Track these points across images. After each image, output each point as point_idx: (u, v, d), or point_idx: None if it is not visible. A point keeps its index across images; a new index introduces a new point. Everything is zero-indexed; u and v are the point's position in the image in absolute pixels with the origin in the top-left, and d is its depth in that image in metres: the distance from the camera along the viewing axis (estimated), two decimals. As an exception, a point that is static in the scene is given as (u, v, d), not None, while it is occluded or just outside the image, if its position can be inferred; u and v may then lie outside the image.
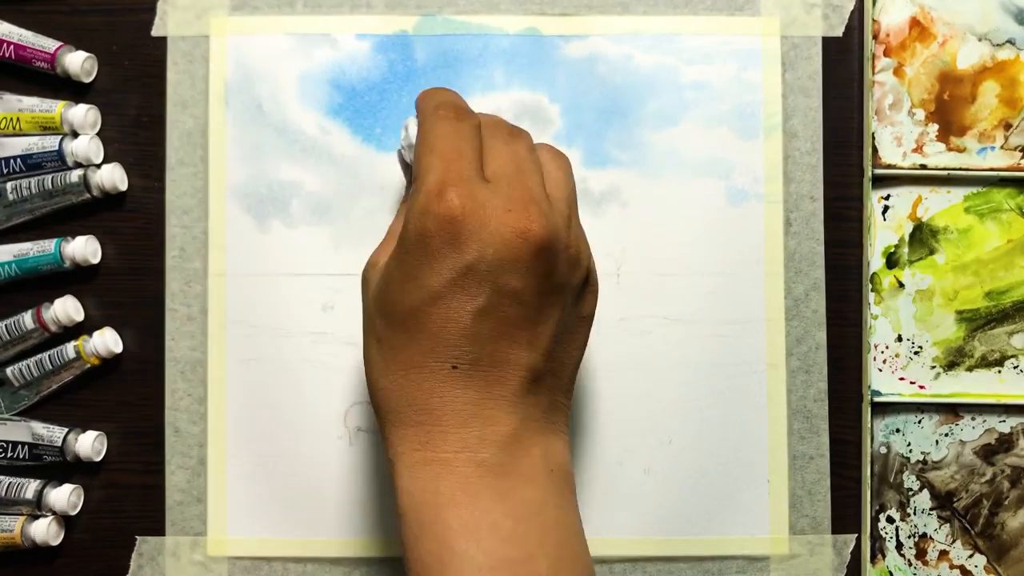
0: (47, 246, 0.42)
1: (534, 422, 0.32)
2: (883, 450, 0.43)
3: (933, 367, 0.43)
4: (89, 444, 0.41)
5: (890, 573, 0.43)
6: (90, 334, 0.42)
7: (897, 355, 0.43)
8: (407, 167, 0.37)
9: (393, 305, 0.32)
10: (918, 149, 0.43)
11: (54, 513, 0.42)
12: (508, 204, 0.31)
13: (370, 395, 0.33)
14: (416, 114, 0.35)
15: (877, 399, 0.42)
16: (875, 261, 0.43)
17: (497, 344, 0.31)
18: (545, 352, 0.32)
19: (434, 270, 0.31)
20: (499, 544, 0.30)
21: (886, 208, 0.43)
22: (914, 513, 0.43)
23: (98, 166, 0.42)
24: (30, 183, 0.42)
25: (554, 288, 0.32)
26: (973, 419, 0.43)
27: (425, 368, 0.31)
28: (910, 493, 0.43)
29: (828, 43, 0.43)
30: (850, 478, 0.43)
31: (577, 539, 0.33)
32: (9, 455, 0.41)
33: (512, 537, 0.30)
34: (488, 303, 0.31)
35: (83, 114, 0.42)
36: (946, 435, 0.43)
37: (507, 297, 0.31)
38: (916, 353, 0.43)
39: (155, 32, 0.43)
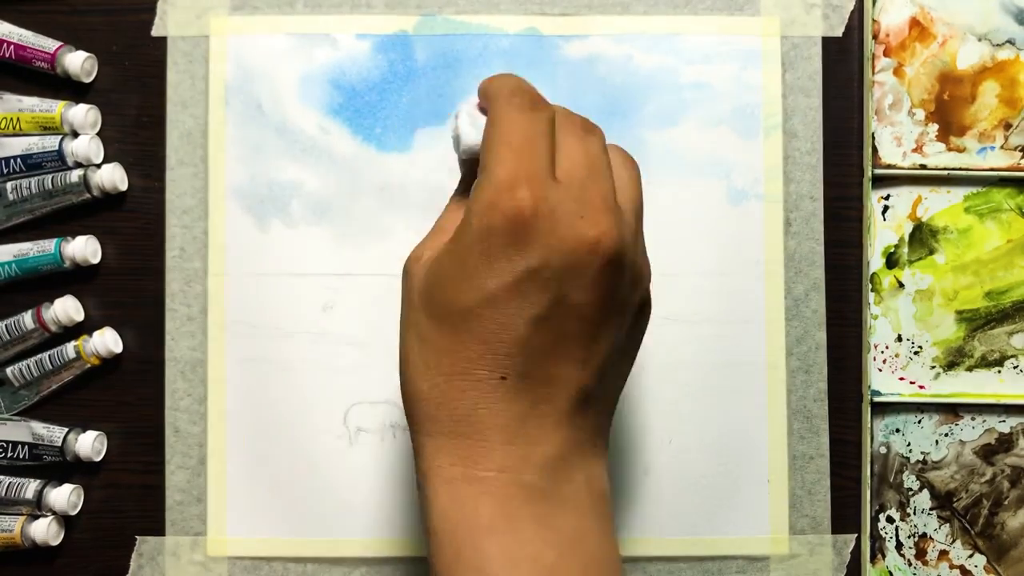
0: (47, 246, 0.42)
1: (579, 445, 0.30)
2: (883, 450, 0.43)
3: (933, 367, 0.43)
4: (89, 444, 0.41)
5: (890, 573, 0.43)
6: (90, 334, 0.42)
7: (897, 355, 0.43)
8: (463, 161, 0.34)
9: (443, 303, 0.29)
10: (918, 149, 0.43)
11: (54, 513, 0.42)
12: (580, 209, 0.29)
13: (404, 398, 0.31)
14: (480, 99, 0.32)
15: (877, 399, 0.42)
16: (875, 261, 0.43)
17: (550, 358, 0.29)
18: (597, 372, 0.30)
19: (494, 270, 0.28)
20: None
21: (886, 208, 0.43)
22: (914, 513, 0.43)
23: (98, 166, 0.42)
24: (30, 183, 0.42)
25: (616, 306, 0.30)
26: (973, 419, 0.43)
27: (471, 376, 0.29)
28: (910, 493, 0.43)
29: (828, 43, 0.43)
30: (850, 478, 0.43)
31: (615, 571, 0.31)
32: (9, 455, 0.41)
33: (554, 570, 0.29)
34: (547, 313, 0.29)
35: (83, 114, 0.42)
36: (946, 435, 0.43)
37: (567, 309, 0.29)
38: (916, 353, 0.43)
39: (155, 32, 0.43)
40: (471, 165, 0.32)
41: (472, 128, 0.32)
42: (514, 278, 0.28)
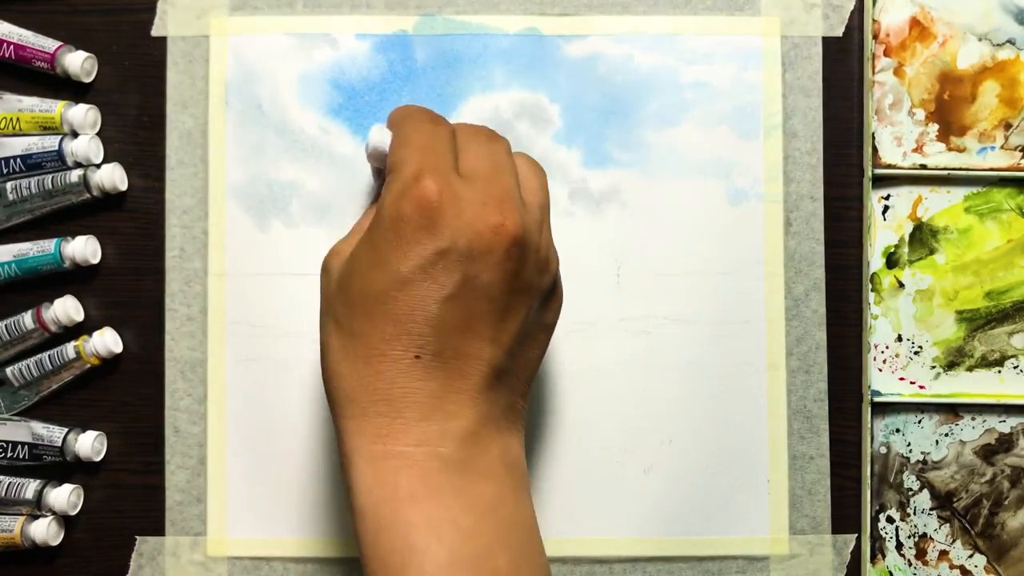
0: (47, 246, 0.42)
1: (493, 419, 0.32)
2: (883, 450, 0.43)
3: (933, 367, 0.43)
4: (89, 444, 0.41)
5: (890, 573, 0.43)
6: (90, 334, 0.42)
7: (897, 355, 0.43)
8: (376, 172, 0.38)
9: (358, 290, 0.31)
10: (918, 149, 0.43)
11: (54, 513, 0.42)
12: (484, 198, 0.31)
13: (326, 383, 0.33)
14: (388, 125, 0.36)
15: (877, 399, 0.42)
16: (875, 261, 0.43)
17: (462, 336, 0.31)
18: (507, 350, 0.32)
19: (405, 255, 0.30)
20: (461, 540, 0.30)
21: (886, 208, 0.43)
22: (914, 513, 0.43)
23: (98, 166, 0.42)
24: (30, 183, 0.42)
25: (522, 287, 0.32)
26: (973, 419, 0.43)
27: (387, 356, 0.31)
28: (910, 493, 0.43)
29: (828, 43, 0.43)
30: (850, 478, 0.43)
31: (533, 535, 0.33)
32: (9, 455, 0.41)
33: (473, 533, 0.30)
34: (456, 293, 0.31)
35: (83, 114, 0.42)
36: (946, 435, 0.43)
37: (476, 289, 0.31)
38: (916, 353, 0.43)
39: (155, 32, 0.43)
40: (382, 175, 0.35)
41: (380, 135, 0.36)
42: (424, 260, 0.30)
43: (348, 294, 0.32)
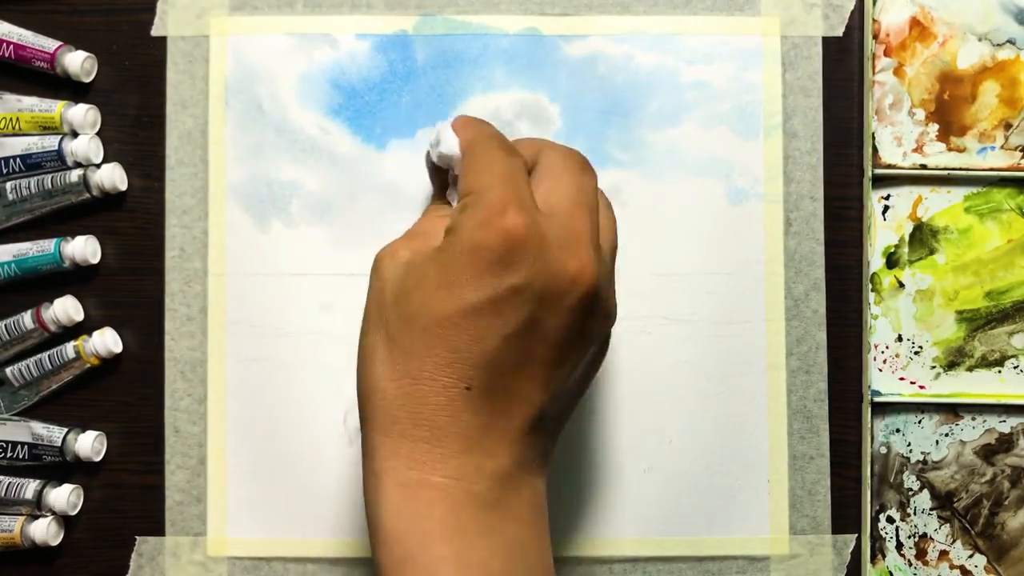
0: (47, 246, 0.42)
1: (528, 462, 0.32)
2: (883, 450, 0.43)
3: (933, 367, 0.43)
4: (89, 444, 0.41)
5: (890, 573, 0.43)
6: (90, 334, 0.42)
7: (897, 355, 0.43)
8: (435, 171, 0.36)
9: (419, 307, 0.30)
10: (918, 149, 0.43)
11: (54, 513, 0.42)
12: (565, 241, 0.30)
13: (363, 394, 0.31)
14: (455, 131, 0.34)
15: (877, 399, 0.42)
16: (875, 261, 0.43)
17: (515, 376, 0.30)
18: (554, 396, 0.32)
19: (479, 284, 0.29)
20: None
21: (886, 208, 0.43)
22: (914, 513, 0.43)
23: (98, 166, 0.42)
24: (30, 183, 0.42)
25: (583, 337, 0.31)
26: (973, 419, 0.43)
27: (437, 382, 0.30)
28: (910, 493, 0.43)
29: (828, 43, 0.43)
30: (850, 478, 0.43)
31: None
32: (9, 455, 0.41)
33: None
34: (520, 332, 0.30)
35: (83, 114, 0.42)
36: (946, 435, 0.43)
37: (540, 332, 0.30)
38: (916, 353, 0.43)
39: (155, 32, 0.43)
40: (442, 176, 0.35)
41: (452, 139, 0.34)
42: (496, 294, 0.29)
43: (406, 308, 0.31)
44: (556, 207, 0.31)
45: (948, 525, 0.43)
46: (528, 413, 0.31)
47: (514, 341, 0.30)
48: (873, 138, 0.42)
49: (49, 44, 0.42)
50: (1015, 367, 0.43)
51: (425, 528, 0.29)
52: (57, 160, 0.42)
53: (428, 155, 0.36)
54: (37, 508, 0.41)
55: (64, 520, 0.42)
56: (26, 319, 0.41)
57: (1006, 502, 0.43)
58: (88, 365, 0.42)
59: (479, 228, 0.30)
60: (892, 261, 0.43)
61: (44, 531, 0.41)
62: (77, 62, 0.42)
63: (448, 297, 0.30)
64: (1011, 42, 0.43)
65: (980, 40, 0.43)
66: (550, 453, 0.34)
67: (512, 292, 0.29)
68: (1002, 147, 0.43)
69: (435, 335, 0.30)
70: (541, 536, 0.32)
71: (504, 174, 0.31)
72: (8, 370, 0.42)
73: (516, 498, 0.31)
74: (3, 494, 0.41)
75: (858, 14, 0.43)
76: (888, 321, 0.43)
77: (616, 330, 0.42)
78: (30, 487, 0.41)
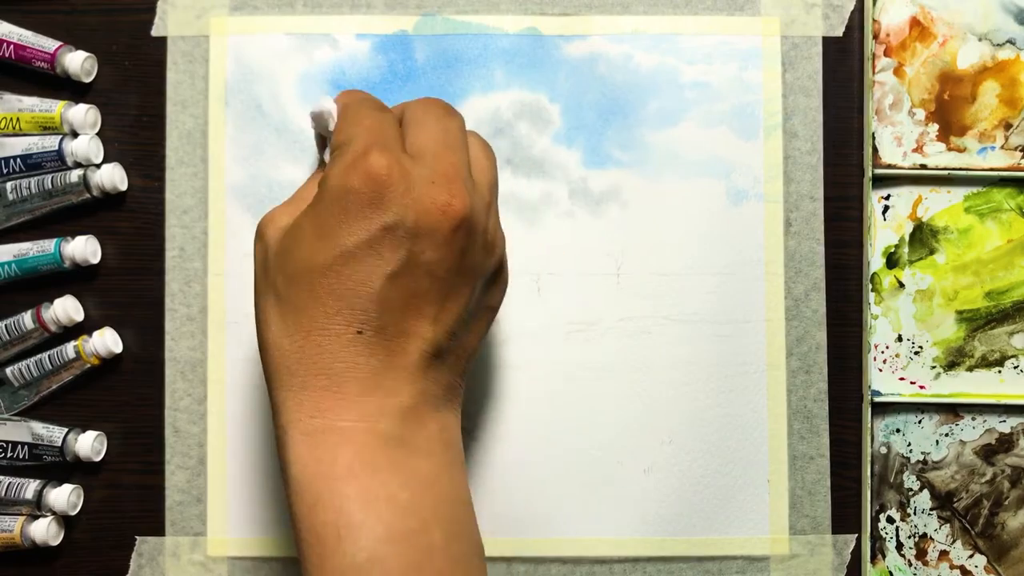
0: (47, 246, 0.42)
1: (432, 397, 0.32)
2: (883, 450, 0.43)
3: (933, 367, 0.43)
4: (89, 444, 0.41)
5: (890, 573, 0.43)
6: (90, 334, 0.42)
7: (897, 355, 0.43)
8: (320, 140, 0.37)
9: (300, 262, 0.31)
10: (918, 149, 0.43)
11: (54, 513, 0.42)
12: (433, 176, 0.31)
13: (263, 355, 0.32)
14: (335, 102, 0.35)
15: (877, 399, 0.42)
16: (875, 261, 0.43)
17: (404, 314, 0.31)
18: (449, 331, 0.32)
19: (351, 228, 0.30)
20: (396, 515, 0.30)
21: (886, 208, 0.43)
22: (914, 513, 0.43)
23: (98, 166, 0.42)
24: (30, 183, 0.42)
25: (466, 268, 0.32)
26: (973, 419, 0.43)
27: (329, 331, 0.31)
28: (910, 493, 0.43)
29: (828, 43, 0.43)
30: (850, 478, 0.43)
31: (468, 511, 0.33)
32: (9, 455, 0.41)
33: (409, 508, 0.30)
34: (400, 269, 0.30)
35: (83, 114, 0.42)
36: (946, 435, 0.43)
37: (420, 267, 0.31)
38: (916, 353, 0.43)
39: (155, 32, 0.43)
40: (324, 143, 0.36)
41: (327, 103, 0.35)
42: (369, 236, 0.30)
43: (289, 266, 0.31)
44: (423, 148, 0.32)
45: (948, 525, 0.43)
46: (423, 348, 0.32)
47: (396, 279, 0.30)
48: (873, 138, 0.42)
49: (49, 44, 0.42)
50: (1015, 367, 0.43)
51: (331, 471, 0.30)
52: (57, 160, 0.42)
53: (313, 121, 0.36)
54: (37, 508, 0.41)
55: (64, 520, 0.42)
56: (26, 319, 0.41)
57: (1006, 502, 0.43)
58: (88, 365, 0.42)
59: (345, 174, 0.30)
60: (892, 261, 0.43)
61: (44, 531, 0.41)
62: (77, 62, 0.42)
63: (325, 247, 0.30)
64: (1011, 42, 0.43)
65: (980, 40, 0.43)
66: (457, 388, 0.34)
67: (385, 231, 0.30)
68: (1002, 147, 0.43)
69: (319, 286, 0.31)
70: (452, 468, 0.33)
71: (371, 125, 0.32)
72: (8, 370, 0.42)
73: (423, 433, 0.32)
74: (3, 494, 0.41)
75: (858, 14, 0.43)
76: (888, 321, 0.43)
77: (616, 330, 0.42)
78: (30, 487, 0.41)
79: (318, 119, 0.35)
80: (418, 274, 0.31)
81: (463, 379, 0.35)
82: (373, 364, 0.31)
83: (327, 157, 0.36)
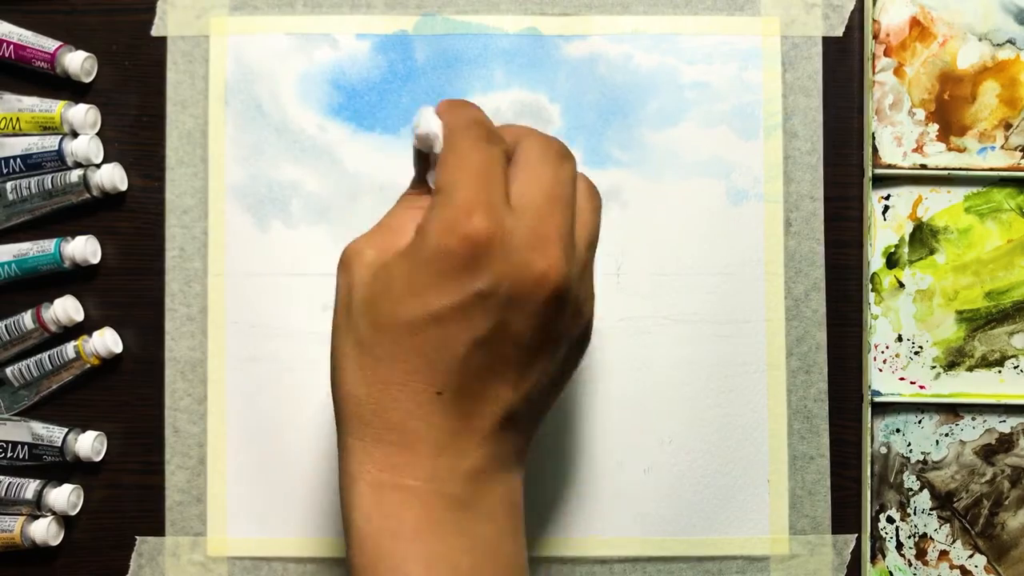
0: (47, 246, 0.42)
1: (501, 461, 0.32)
2: (883, 450, 0.43)
3: (933, 367, 0.43)
4: (89, 444, 0.41)
5: (890, 573, 0.43)
6: (90, 334, 0.42)
7: (897, 355, 0.43)
8: (419, 155, 0.35)
9: (388, 315, 0.30)
10: (918, 149, 0.43)
11: (54, 513, 0.42)
12: (533, 240, 0.30)
13: (337, 399, 0.32)
14: (438, 115, 0.33)
15: (877, 399, 0.42)
16: (875, 261, 0.43)
17: (485, 378, 0.30)
18: (526, 396, 0.32)
19: (444, 289, 0.29)
20: None
21: (886, 208, 0.43)
22: (914, 513, 0.43)
23: (98, 166, 0.42)
24: (30, 183, 0.42)
25: (553, 337, 0.31)
26: (973, 419, 0.43)
27: (408, 388, 0.30)
28: (910, 493, 0.43)
29: (828, 43, 0.43)
30: (850, 478, 0.43)
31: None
32: (9, 455, 0.41)
33: (470, 575, 0.30)
34: (488, 336, 0.30)
35: (83, 114, 0.42)
36: (946, 435, 0.43)
37: (507, 335, 0.30)
38: (916, 353, 0.43)
39: (155, 32, 0.43)
40: (426, 161, 0.33)
41: (431, 122, 0.32)
42: (461, 300, 0.29)
43: (376, 315, 0.31)
44: (529, 203, 0.31)
45: (948, 525, 0.43)
46: (499, 414, 0.31)
47: (482, 345, 0.30)
48: (873, 138, 0.42)
49: (49, 44, 0.42)
50: (1015, 367, 0.43)
51: (396, 528, 0.30)
52: (57, 160, 0.42)
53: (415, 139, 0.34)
54: (37, 508, 0.41)
55: (64, 520, 0.42)
56: (26, 319, 0.42)
57: (1006, 502, 0.43)
58: (88, 365, 0.42)
59: (444, 233, 0.29)
60: (892, 261, 0.43)
61: (44, 531, 0.41)
62: (77, 62, 0.42)
63: (416, 304, 0.30)
64: (1011, 42, 0.43)
65: (980, 40, 0.43)
66: (524, 451, 0.34)
67: (478, 297, 0.29)
68: (1002, 147, 0.43)
69: (404, 342, 0.30)
70: (514, 533, 0.32)
71: (477, 170, 0.30)
72: (8, 370, 0.42)
73: (489, 497, 0.31)
74: (3, 494, 0.41)
75: (858, 14, 0.43)
76: (888, 321, 0.43)
77: (616, 330, 0.42)
78: (30, 487, 0.41)
79: (423, 140, 0.33)
80: (505, 341, 0.30)
81: (531, 440, 0.34)
82: (448, 426, 0.30)
83: (430, 180, 0.34)
